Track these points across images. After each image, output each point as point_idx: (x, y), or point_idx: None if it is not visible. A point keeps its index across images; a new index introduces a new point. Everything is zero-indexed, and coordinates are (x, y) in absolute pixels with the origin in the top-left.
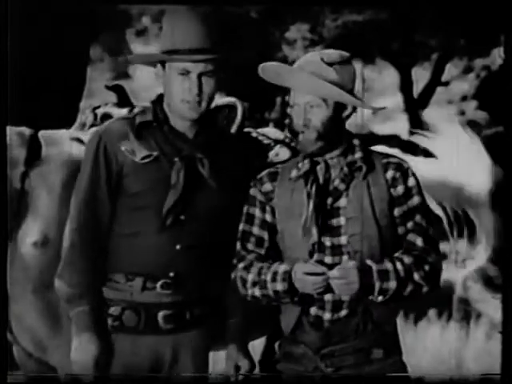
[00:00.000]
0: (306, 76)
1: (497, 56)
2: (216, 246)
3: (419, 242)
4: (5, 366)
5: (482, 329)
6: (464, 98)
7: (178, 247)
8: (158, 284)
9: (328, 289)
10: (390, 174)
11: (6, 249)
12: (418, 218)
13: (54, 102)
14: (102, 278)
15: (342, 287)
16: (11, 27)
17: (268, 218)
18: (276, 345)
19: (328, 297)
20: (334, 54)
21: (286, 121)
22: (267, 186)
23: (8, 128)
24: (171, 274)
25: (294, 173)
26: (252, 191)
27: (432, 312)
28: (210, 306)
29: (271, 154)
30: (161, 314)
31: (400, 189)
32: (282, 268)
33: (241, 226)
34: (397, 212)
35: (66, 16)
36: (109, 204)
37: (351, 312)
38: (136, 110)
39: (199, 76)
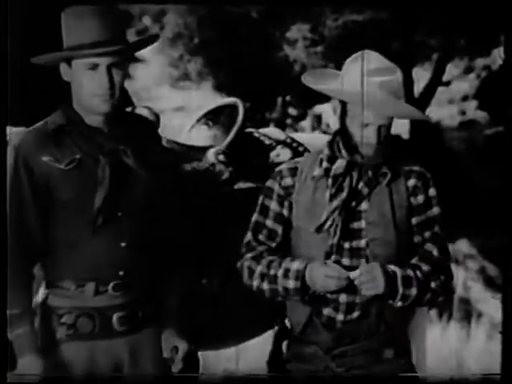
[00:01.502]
0: (397, 104)
1: (497, 56)
2: (160, 240)
3: (435, 252)
4: (5, 366)
5: (482, 329)
6: (465, 98)
7: (123, 244)
8: (110, 286)
9: (345, 289)
10: (411, 182)
11: (6, 249)
12: (436, 228)
13: (55, 102)
14: (47, 294)
15: (368, 285)
16: (11, 27)
17: (285, 212)
18: (283, 345)
19: (342, 298)
20: (397, 68)
21: (334, 136)
22: (288, 181)
23: (8, 128)
24: (121, 273)
25: (318, 171)
26: (270, 183)
27: (432, 312)
28: (160, 303)
29: (272, 154)
30: (115, 317)
31: (420, 198)
32: (294, 265)
33: (254, 217)
34: (414, 221)
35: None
36: (37, 217)
37: (364, 313)
38: (48, 118)
39: (108, 68)
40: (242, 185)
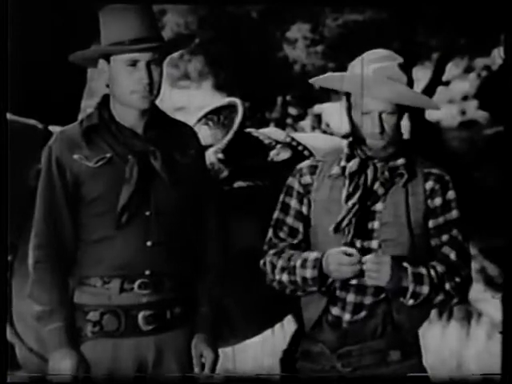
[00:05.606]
0: (395, 86)
1: (497, 56)
2: (188, 241)
3: (453, 255)
4: (5, 366)
5: (482, 329)
6: (465, 98)
7: (148, 244)
8: (136, 284)
9: (358, 277)
10: (429, 184)
11: (7, 247)
12: (454, 231)
13: (55, 102)
14: (73, 290)
15: (373, 274)
16: (11, 27)
17: (304, 210)
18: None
19: (350, 298)
20: (398, 56)
21: (345, 127)
22: (307, 179)
23: (15, 122)
24: (147, 273)
25: (335, 170)
26: (290, 181)
27: (433, 312)
28: (190, 303)
29: (272, 153)
30: (141, 315)
31: (437, 201)
32: (312, 255)
33: (275, 214)
34: (431, 224)
35: (67, 15)
36: (69, 216)
37: (371, 314)
38: (82, 116)
39: (148, 65)
40: (241, 183)
